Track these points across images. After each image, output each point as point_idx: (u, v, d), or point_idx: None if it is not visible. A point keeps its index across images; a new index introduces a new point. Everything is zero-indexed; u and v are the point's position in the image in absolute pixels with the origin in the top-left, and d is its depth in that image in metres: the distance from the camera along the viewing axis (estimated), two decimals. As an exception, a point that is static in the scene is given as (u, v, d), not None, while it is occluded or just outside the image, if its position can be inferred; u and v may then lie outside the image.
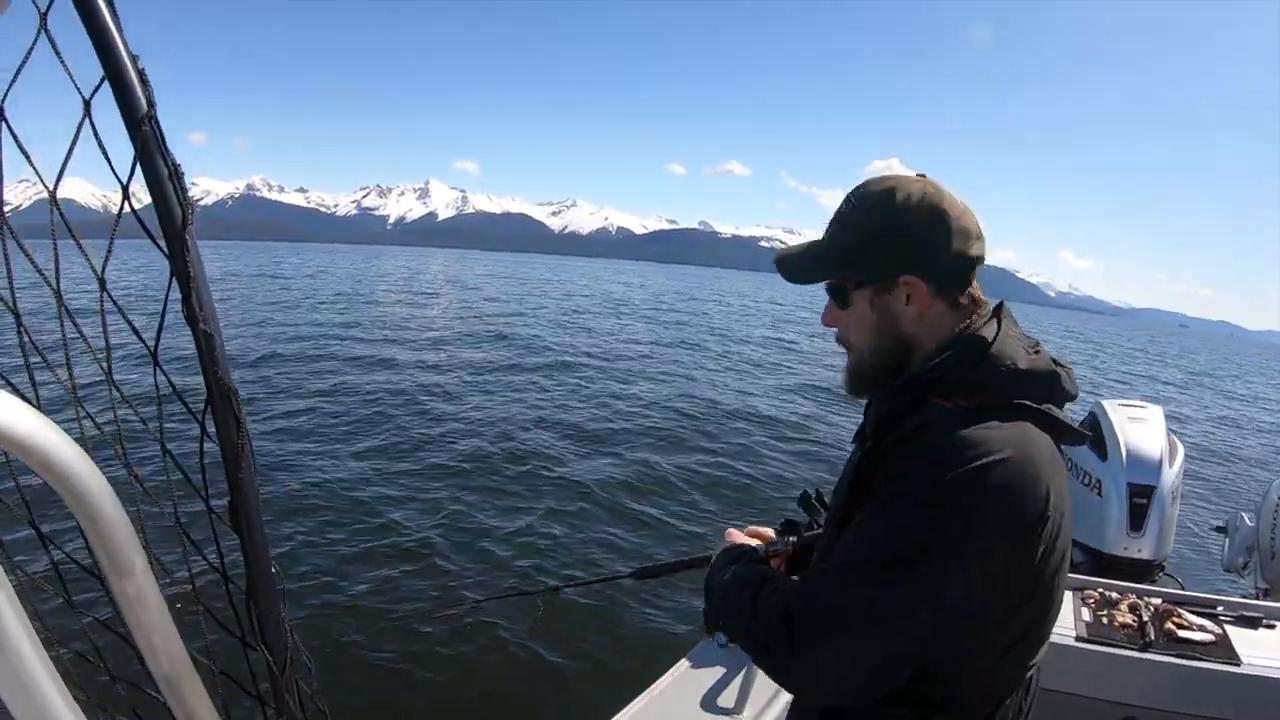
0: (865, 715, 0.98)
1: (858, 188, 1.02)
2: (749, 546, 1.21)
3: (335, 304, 23.50)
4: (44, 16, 0.51)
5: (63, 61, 0.50)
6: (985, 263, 1.01)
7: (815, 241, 1.06)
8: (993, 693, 0.97)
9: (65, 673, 0.51)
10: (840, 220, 1.02)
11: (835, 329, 1.08)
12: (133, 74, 0.51)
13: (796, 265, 1.06)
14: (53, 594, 0.81)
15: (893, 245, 0.97)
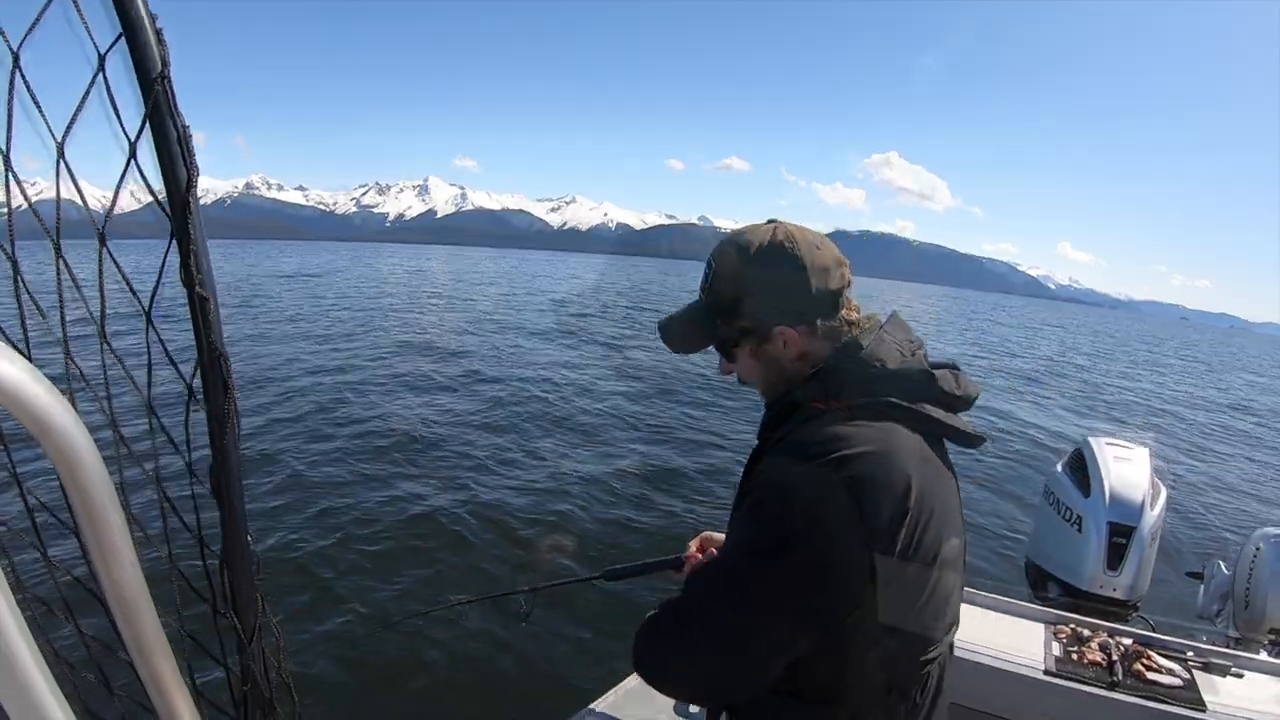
0: (758, 708, 1.03)
1: (716, 251, 1.09)
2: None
3: (344, 306, 23.20)
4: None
5: (80, 11, 0.50)
6: (850, 285, 1.08)
7: (689, 308, 1.14)
8: (876, 686, 0.98)
9: (35, 626, 0.51)
10: (706, 287, 1.10)
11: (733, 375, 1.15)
12: (149, 31, 0.51)
13: (679, 337, 1.14)
14: (26, 543, 0.81)
15: (755, 303, 1.04)
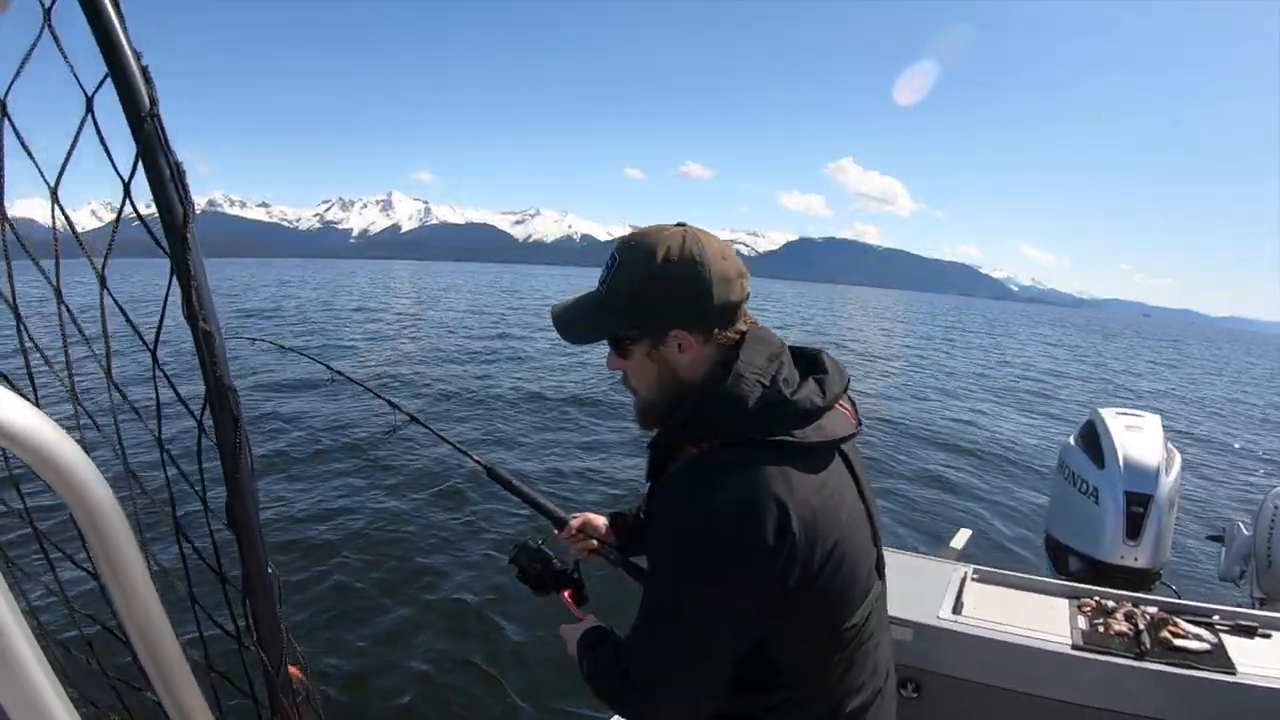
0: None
1: (622, 247, 1.11)
2: (595, 632, 1.30)
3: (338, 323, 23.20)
4: (48, 12, 0.51)
5: (65, 58, 0.50)
6: (749, 299, 1.12)
7: (585, 299, 1.15)
8: (832, 677, 1.11)
9: (60, 670, 0.51)
10: (609, 281, 1.11)
11: (619, 372, 1.17)
12: (136, 70, 0.51)
13: (575, 327, 1.15)
14: (48, 591, 0.81)
15: (658, 304, 1.07)
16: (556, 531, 1.64)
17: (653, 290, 1.06)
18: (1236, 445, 10.83)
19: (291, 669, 0.78)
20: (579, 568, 1.59)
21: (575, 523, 1.61)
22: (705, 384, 1.07)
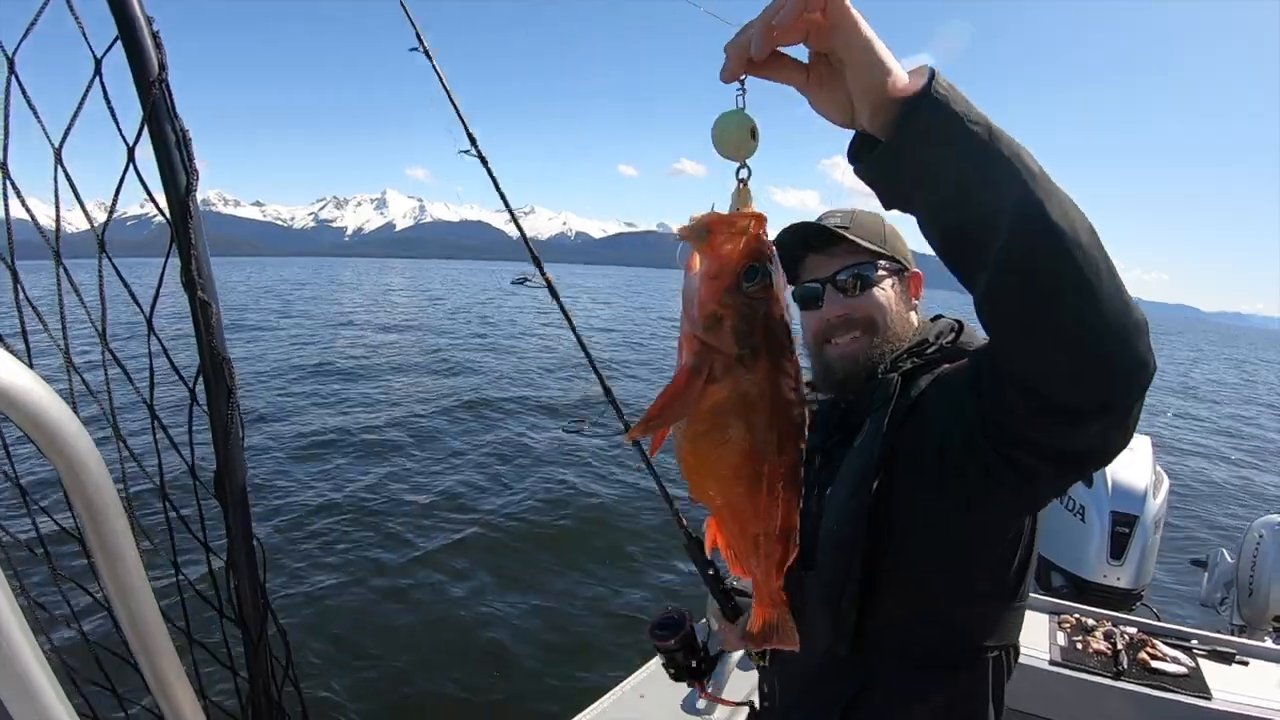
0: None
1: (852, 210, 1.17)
2: None
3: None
4: (60, -28, 0.50)
5: (76, 17, 0.49)
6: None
7: (858, 223, 1.13)
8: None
9: (40, 634, 0.51)
10: (855, 218, 1.13)
11: (843, 315, 1.08)
12: (147, 34, 0.50)
13: (873, 239, 1.11)
14: (30, 552, 0.81)
15: (903, 245, 1.15)
16: (726, 622, 1.22)
17: (897, 234, 1.14)
18: (1225, 471, 10.85)
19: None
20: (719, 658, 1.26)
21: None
22: (948, 324, 1.13)
